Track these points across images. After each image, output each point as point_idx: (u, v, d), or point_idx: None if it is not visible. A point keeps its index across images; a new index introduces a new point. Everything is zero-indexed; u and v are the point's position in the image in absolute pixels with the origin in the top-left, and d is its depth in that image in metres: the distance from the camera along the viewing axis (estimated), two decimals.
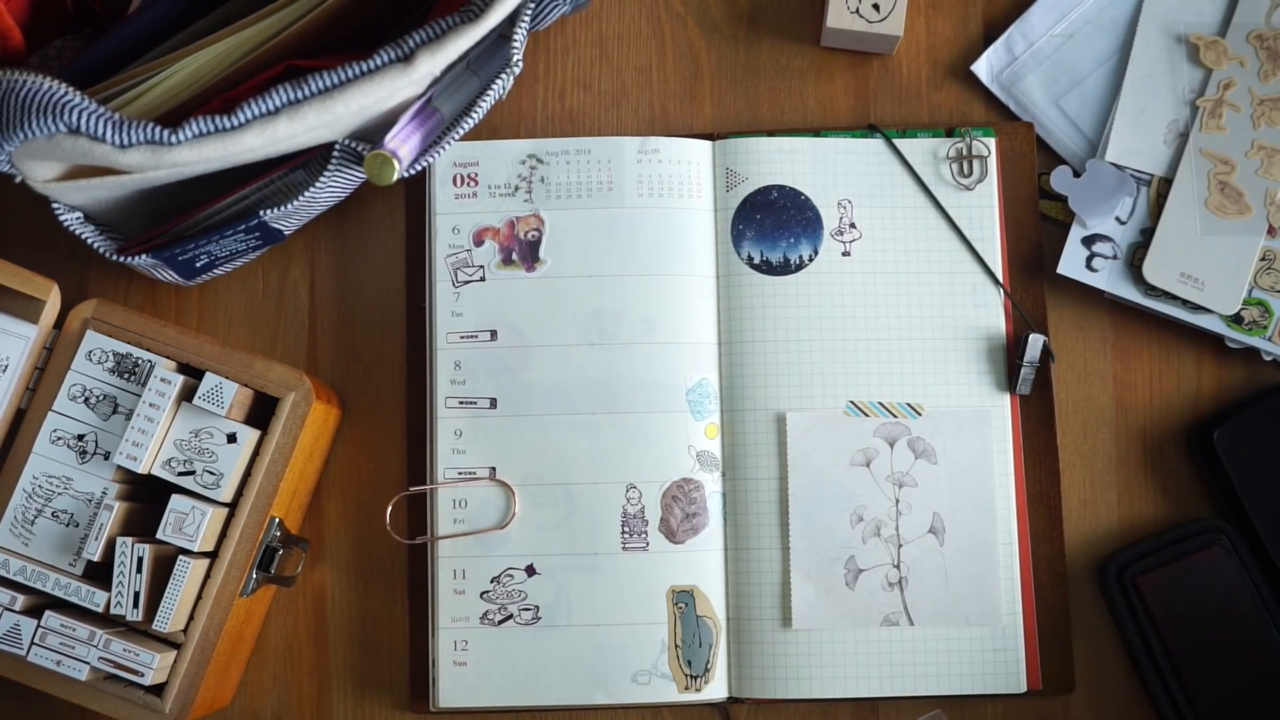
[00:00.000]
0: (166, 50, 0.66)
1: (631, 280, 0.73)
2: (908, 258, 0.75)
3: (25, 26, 0.65)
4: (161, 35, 0.66)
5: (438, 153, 0.68)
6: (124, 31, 0.65)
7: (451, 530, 0.72)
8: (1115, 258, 0.74)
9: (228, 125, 0.61)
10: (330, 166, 0.67)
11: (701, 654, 0.72)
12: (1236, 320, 0.73)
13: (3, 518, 0.68)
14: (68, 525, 0.68)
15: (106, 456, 0.68)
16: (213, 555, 0.68)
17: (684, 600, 0.72)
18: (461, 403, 0.73)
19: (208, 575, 0.68)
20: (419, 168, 0.67)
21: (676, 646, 0.72)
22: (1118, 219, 0.74)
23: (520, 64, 0.68)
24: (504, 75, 0.68)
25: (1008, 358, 0.74)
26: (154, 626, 0.66)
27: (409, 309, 0.76)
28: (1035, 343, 0.72)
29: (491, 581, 0.72)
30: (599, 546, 0.72)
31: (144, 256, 0.69)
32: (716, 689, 0.72)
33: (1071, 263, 0.74)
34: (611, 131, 0.78)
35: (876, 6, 0.75)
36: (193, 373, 0.69)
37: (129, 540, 0.66)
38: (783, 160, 0.75)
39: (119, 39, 0.65)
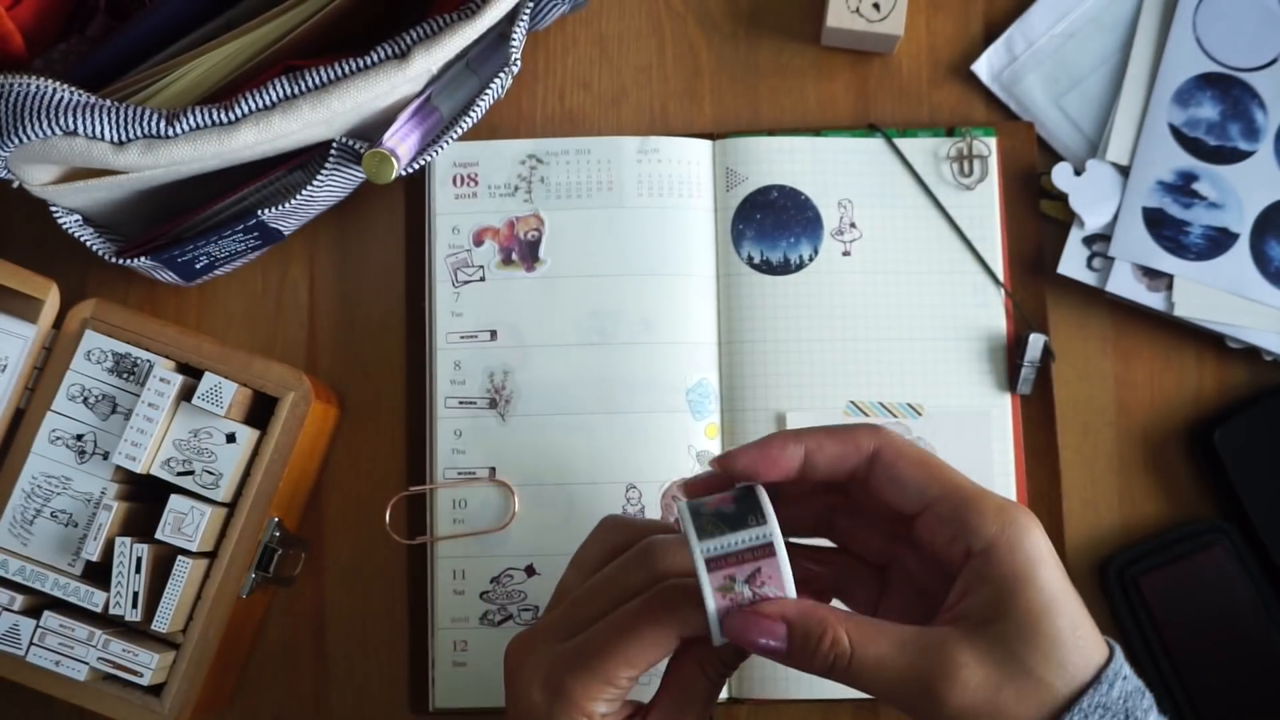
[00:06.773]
0: (170, 56, 0.66)
1: (631, 280, 0.73)
2: (908, 258, 0.75)
3: (29, 31, 0.65)
4: (166, 40, 0.66)
5: (436, 151, 0.68)
6: (129, 36, 0.65)
7: (451, 530, 0.72)
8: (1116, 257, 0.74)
9: (223, 119, 0.61)
10: (328, 164, 0.67)
11: None
12: None
13: (1, 518, 0.68)
14: (67, 525, 0.68)
15: (105, 456, 0.68)
16: (212, 555, 0.68)
17: None
18: (461, 403, 0.73)
19: (207, 575, 0.68)
20: (417, 166, 0.67)
21: None
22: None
23: (519, 63, 0.68)
24: (503, 74, 0.68)
25: (1008, 358, 0.74)
26: (153, 627, 0.66)
27: (409, 309, 0.76)
28: (1036, 342, 0.72)
29: (491, 582, 0.72)
30: None
31: (143, 259, 0.69)
32: None
33: (1072, 262, 0.74)
34: (611, 131, 0.78)
35: (877, 6, 0.75)
36: (192, 372, 0.69)
37: (128, 540, 0.66)
38: (783, 160, 0.75)
39: (124, 44, 0.65)
